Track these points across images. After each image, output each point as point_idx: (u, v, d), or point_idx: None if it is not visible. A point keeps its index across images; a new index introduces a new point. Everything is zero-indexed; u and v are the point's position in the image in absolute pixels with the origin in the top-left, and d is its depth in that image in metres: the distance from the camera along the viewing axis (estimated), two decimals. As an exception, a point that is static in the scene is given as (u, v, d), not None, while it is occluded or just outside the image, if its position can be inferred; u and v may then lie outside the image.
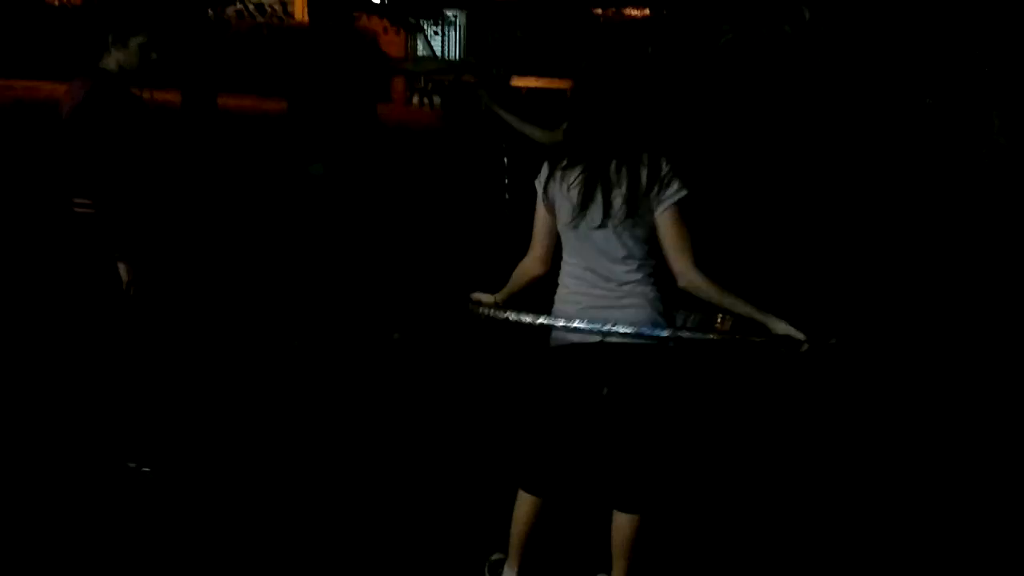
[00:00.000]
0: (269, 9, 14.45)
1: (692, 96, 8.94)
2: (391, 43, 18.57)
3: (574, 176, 3.10)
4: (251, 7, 13.70)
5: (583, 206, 3.07)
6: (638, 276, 3.11)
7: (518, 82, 17.31)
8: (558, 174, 3.15)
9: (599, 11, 19.11)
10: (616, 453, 3.21)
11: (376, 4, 15.31)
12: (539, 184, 3.21)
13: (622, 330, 3.01)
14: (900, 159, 8.31)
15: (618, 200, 3.03)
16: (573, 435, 3.25)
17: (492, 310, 3.30)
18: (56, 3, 17.53)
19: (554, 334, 3.17)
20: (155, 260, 4.01)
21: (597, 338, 3.04)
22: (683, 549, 3.82)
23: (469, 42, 21.98)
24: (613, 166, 3.05)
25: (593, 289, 3.13)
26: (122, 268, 3.85)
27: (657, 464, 3.23)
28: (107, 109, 3.79)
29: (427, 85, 20.36)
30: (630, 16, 18.38)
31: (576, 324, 3.06)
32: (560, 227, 3.18)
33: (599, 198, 3.06)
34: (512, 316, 3.15)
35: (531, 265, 3.30)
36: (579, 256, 3.15)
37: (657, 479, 3.24)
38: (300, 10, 19.07)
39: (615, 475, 3.23)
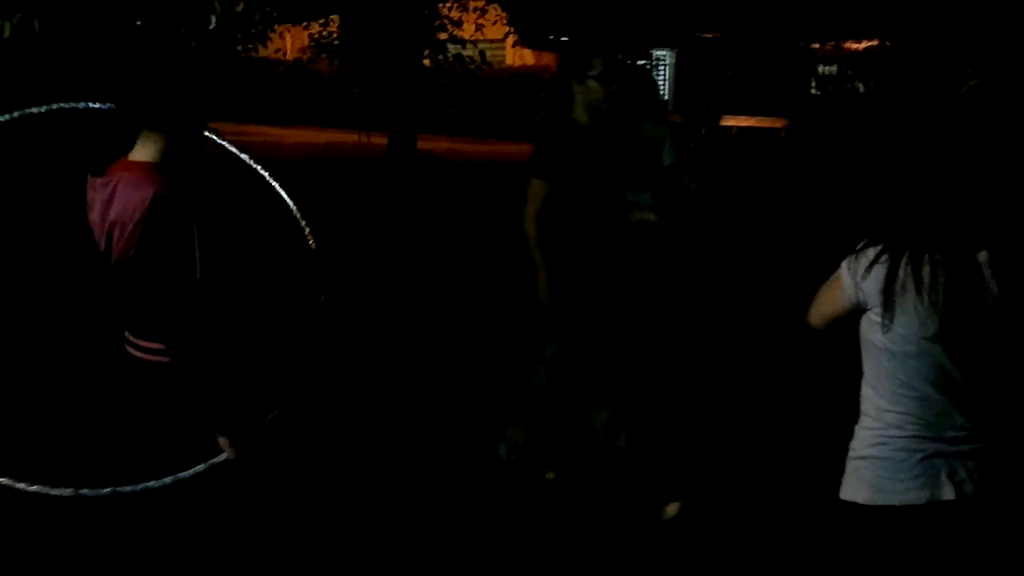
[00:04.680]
0: (468, 60, 14.94)
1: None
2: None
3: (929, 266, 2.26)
4: (450, 57, 15.25)
5: (945, 308, 2.24)
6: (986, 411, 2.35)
7: (728, 121, 16.86)
8: (904, 263, 2.27)
9: (816, 45, 17.58)
10: None
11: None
12: (857, 268, 2.34)
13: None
14: None
15: (986, 300, 2.28)
16: None
17: None
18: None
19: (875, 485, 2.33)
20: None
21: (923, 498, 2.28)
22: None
23: (678, 81, 20.53)
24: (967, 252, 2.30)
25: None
26: None
27: None
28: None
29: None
30: (850, 49, 17.18)
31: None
32: (875, 337, 2.32)
33: (962, 297, 2.27)
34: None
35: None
36: (906, 379, 2.31)
37: None
38: (510, 56, 20.92)
39: None
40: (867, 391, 2.36)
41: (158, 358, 2.56)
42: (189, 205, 2.42)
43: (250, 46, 10.70)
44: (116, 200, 2.42)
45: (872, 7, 14.16)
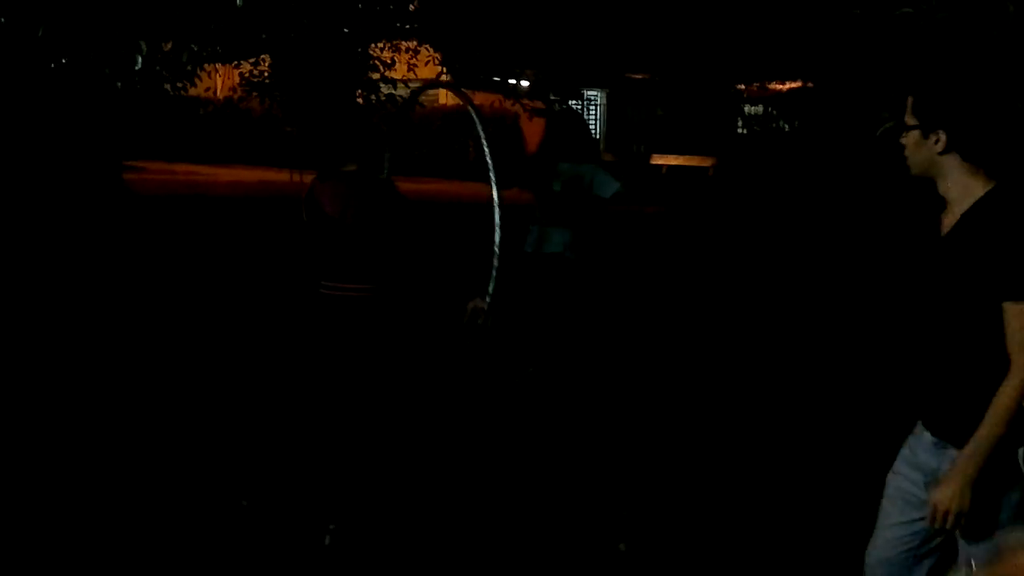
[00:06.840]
0: (400, 99, 14.72)
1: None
2: (533, 126, 16.28)
3: None
4: (383, 97, 15.28)
5: None
6: None
7: (658, 160, 17.34)
8: None
9: (742, 86, 18.10)
10: None
11: (514, 87, 15.16)
12: None
13: None
14: None
15: None
16: None
17: None
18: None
19: None
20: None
21: None
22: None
23: (610, 121, 20.54)
24: None
25: None
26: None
27: None
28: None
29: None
30: (775, 90, 17.75)
31: None
32: None
33: None
34: None
35: None
36: None
37: None
38: (443, 96, 22.20)
39: None
40: None
41: (361, 293, 3.95)
42: (384, 198, 4.07)
43: (179, 85, 10.65)
44: (343, 193, 3.99)
45: (795, 50, 14.61)
